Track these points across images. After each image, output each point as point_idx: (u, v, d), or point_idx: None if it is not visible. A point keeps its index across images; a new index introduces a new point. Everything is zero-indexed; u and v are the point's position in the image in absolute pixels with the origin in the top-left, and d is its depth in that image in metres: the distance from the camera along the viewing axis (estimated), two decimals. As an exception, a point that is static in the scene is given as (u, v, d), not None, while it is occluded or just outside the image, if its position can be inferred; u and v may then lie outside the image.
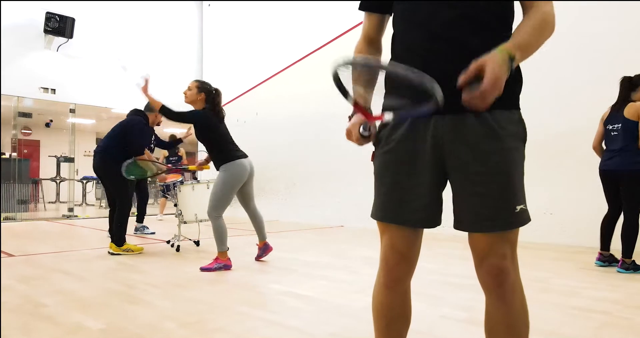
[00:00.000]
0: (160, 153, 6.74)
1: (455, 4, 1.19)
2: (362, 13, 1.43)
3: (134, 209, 5.65)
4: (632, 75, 3.88)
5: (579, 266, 3.98)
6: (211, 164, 4.09)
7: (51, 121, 13.02)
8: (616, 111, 3.88)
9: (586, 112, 4.53)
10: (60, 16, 8.44)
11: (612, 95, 3.95)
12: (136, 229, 6.25)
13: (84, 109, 9.52)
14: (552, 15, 1.18)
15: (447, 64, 1.17)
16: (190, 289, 3.17)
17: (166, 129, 10.80)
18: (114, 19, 9.48)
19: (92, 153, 4.91)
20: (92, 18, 9.14)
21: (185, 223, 4.92)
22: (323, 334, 2.25)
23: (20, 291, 3.08)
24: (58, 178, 12.34)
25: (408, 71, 1.07)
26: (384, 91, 1.29)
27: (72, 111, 9.13)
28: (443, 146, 1.21)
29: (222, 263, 3.81)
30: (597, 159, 4.05)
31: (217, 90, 4.02)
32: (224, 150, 3.89)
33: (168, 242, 5.05)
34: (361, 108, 1.18)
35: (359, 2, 1.41)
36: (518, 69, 1.26)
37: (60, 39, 8.65)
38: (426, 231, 1.33)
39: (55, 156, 12.22)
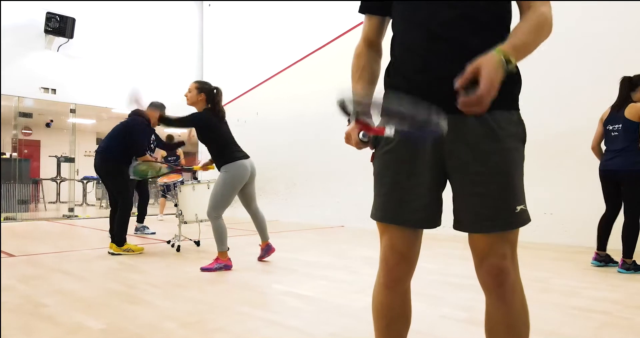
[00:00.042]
0: (158, 153, 6.74)
1: (455, 4, 1.19)
2: (362, 14, 1.43)
3: (134, 210, 5.65)
4: (632, 75, 3.88)
5: (579, 267, 3.98)
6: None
7: (51, 121, 13.03)
8: (616, 111, 3.88)
9: (586, 113, 4.53)
10: (61, 16, 8.44)
11: (612, 95, 3.95)
12: (137, 229, 6.26)
13: (84, 109, 9.52)
14: (550, 16, 1.18)
15: (447, 64, 1.17)
16: (190, 289, 3.17)
17: (167, 129, 10.82)
18: (114, 19, 9.49)
19: (93, 153, 4.91)
20: (92, 18, 9.15)
21: (185, 223, 4.92)
22: (323, 334, 2.26)
23: (20, 291, 3.08)
24: (58, 178, 12.35)
25: (401, 107, 1.06)
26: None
27: (72, 111, 9.14)
28: (443, 146, 1.21)
29: (222, 263, 3.81)
30: (597, 159, 4.05)
31: (217, 89, 4.01)
32: (225, 151, 3.89)
33: (168, 242, 5.05)
34: (362, 123, 1.17)
35: (359, 3, 1.41)
36: (517, 70, 1.26)
37: (61, 39, 8.66)
38: (426, 231, 1.33)
39: (55, 156, 12.23)
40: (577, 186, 5.03)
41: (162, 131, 7.41)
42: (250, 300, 2.91)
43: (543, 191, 5.07)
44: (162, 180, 6.72)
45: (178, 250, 4.81)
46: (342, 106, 1.14)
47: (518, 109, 1.26)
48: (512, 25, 1.22)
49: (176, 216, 4.98)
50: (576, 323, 2.44)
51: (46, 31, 8.40)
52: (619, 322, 2.46)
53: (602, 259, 3.95)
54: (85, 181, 13.17)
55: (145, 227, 6.33)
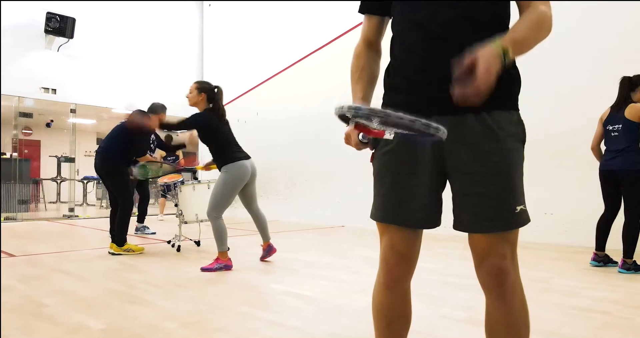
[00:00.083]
0: (157, 154, 6.74)
1: (455, 4, 1.19)
2: (362, 14, 1.43)
3: (134, 210, 5.65)
4: (632, 75, 3.88)
5: (579, 267, 3.98)
6: None
7: (52, 121, 13.03)
8: (616, 111, 3.88)
9: (586, 113, 4.53)
10: (61, 16, 8.44)
11: (612, 95, 3.95)
12: (137, 229, 6.26)
13: (84, 109, 9.53)
14: (549, 16, 1.17)
15: (447, 64, 1.17)
16: (190, 289, 3.17)
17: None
18: (114, 19, 9.49)
19: (93, 153, 4.92)
20: (92, 18, 9.15)
21: (186, 223, 4.92)
22: (323, 334, 2.26)
23: (21, 291, 3.08)
24: (59, 178, 12.35)
25: (414, 121, 1.06)
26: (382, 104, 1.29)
27: (72, 111, 9.14)
28: (443, 146, 1.21)
29: (222, 264, 3.81)
30: (597, 160, 4.06)
31: (218, 88, 4.00)
32: (225, 151, 3.89)
33: (169, 242, 5.05)
34: (362, 127, 1.17)
35: (359, 3, 1.41)
36: (516, 70, 1.26)
37: (61, 39, 8.66)
38: (426, 231, 1.33)
39: (55, 156, 12.23)
40: (577, 186, 5.03)
41: (162, 131, 7.40)
42: (251, 300, 2.91)
43: (543, 191, 5.07)
44: (162, 180, 6.72)
45: (178, 250, 4.81)
46: (341, 115, 1.14)
47: (518, 110, 1.26)
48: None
49: (176, 216, 4.98)
50: (576, 323, 2.44)
51: (46, 31, 8.40)
52: (619, 322, 2.46)
53: (601, 259, 3.95)
54: (85, 181, 13.18)
55: (145, 227, 6.34)
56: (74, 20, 8.64)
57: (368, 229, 6.10)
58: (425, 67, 1.22)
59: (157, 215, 8.50)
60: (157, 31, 10.14)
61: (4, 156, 9.69)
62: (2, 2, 7.91)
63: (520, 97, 1.28)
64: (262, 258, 4.24)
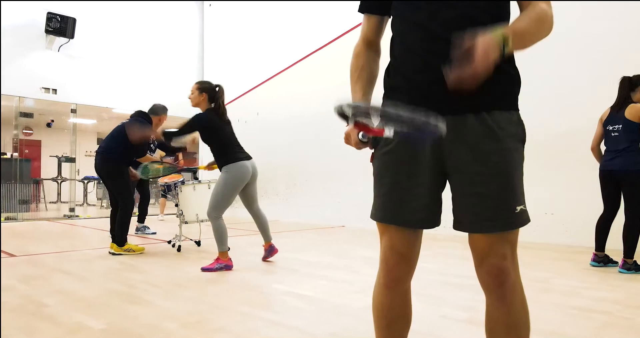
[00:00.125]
0: (157, 154, 6.73)
1: (455, 4, 1.19)
2: (361, 14, 1.43)
3: (135, 210, 5.65)
4: (632, 75, 3.87)
5: (579, 267, 3.98)
6: None
7: (52, 121, 13.03)
8: (616, 111, 3.88)
9: (586, 113, 4.53)
10: (62, 16, 8.45)
11: (612, 95, 3.95)
12: (137, 229, 6.27)
13: (85, 109, 9.53)
14: (550, 15, 1.17)
15: (447, 65, 1.17)
16: (191, 289, 3.18)
17: (168, 129, 10.82)
18: (115, 19, 9.49)
19: (93, 153, 4.92)
20: (93, 18, 9.16)
21: (186, 223, 4.92)
22: (323, 334, 2.26)
23: (21, 291, 3.09)
24: (59, 178, 12.35)
25: (400, 111, 1.06)
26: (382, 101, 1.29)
27: (73, 111, 9.14)
28: (443, 146, 1.22)
29: (223, 264, 3.82)
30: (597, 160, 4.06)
31: (219, 86, 4.01)
32: (227, 151, 3.90)
33: (169, 242, 5.05)
34: (361, 126, 1.18)
35: (359, 3, 1.41)
36: (516, 71, 1.26)
37: (62, 39, 8.66)
38: (426, 231, 1.33)
39: (56, 156, 12.23)
40: (578, 186, 5.03)
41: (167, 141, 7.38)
42: (251, 300, 2.91)
43: (543, 191, 5.07)
44: (162, 180, 6.72)
45: (179, 250, 4.82)
46: (340, 113, 1.14)
47: (518, 110, 1.26)
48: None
49: (177, 216, 4.98)
50: (576, 323, 2.44)
51: (47, 31, 8.41)
52: (620, 322, 2.46)
53: (601, 260, 3.95)
54: (86, 181, 13.18)
55: (146, 227, 6.34)
56: (74, 20, 8.64)
57: (368, 229, 6.10)
58: (425, 67, 1.22)
59: (157, 215, 8.50)
60: (158, 31, 10.14)
61: (5, 156, 9.69)
62: (2, 2, 7.91)
63: (520, 97, 1.28)
64: (264, 259, 4.24)
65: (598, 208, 3.97)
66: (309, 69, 8.27)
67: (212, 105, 3.94)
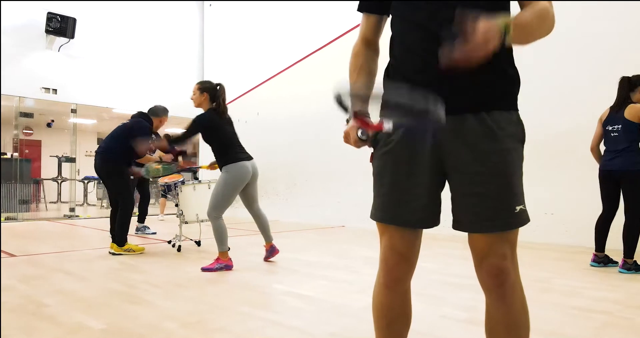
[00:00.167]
0: (157, 154, 6.74)
1: (455, 4, 1.19)
2: (360, 13, 1.43)
3: (135, 210, 5.66)
4: (631, 75, 3.87)
5: (579, 267, 3.98)
6: None
7: (52, 121, 13.03)
8: (615, 112, 3.87)
9: (586, 112, 4.53)
10: (62, 16, 8.45)
11: (613, 95, 3.94)
12: (137, 229, 6.27)
13: (85, 109, 9.53)
14: (552, 13, 1.16)
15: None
16: (191, 289, 3.18)
17: (167, 129, 10.83)
18: (115, 19, 9.49)
19: (94, 153, 4.92)
20: (93, 18, 9.16)
21: (186, 223, 4.92)
22: (324, 334, 2.26)
23: (21, 291, 3.09)
24: (59, 178, 12.35)
25: (399, 97, 1.06)
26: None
27: (73, 111, 9.14)
28: (442, 146, 1.22)
29: (223, 264, 3.82)
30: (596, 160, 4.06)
31: (220, 85, 4.02)
32: (227, 151, 3.90)
33: (169, 242, 5.05)
34: (361, 119, 1.18)
35: (358, 2, 1.41)
36: (515, 70, 1.26)
37: (62, 39, 8.66)
38: (426, 231, 1.33)
39: (56, 156, 12.23)
40: (578, 186, 5.02)
41: (163, 131, 7.39)
42: (251, 300, 2.91)
43: (543, 191, 5.07)
44: (162, 180, 6.71)
45: (179, 250, 4.82)
46: (339, 100, 1.14)
47: (517, 109, 1.26)
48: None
49: (177, 216, 4.99)
50: (577, 323, 2.44)
51: (47, 31, 8.41)
52: (620, 322, 2.46)
53: (601, 260, 3.95)
54: (86, 181, 13.19)
55: (146, 227, 6.34)
56: (74, 20, 8.65)
57: (368, 229, 6.10)
58: (425, 67, 1.22)
59: (157, 215, 8.50)
60: (158, 31, 10.14)
61: (5, 156, 9.69)
62: (2, 2, 7.91)
63: (520, 97, 1.28)
64: (266, 259, 4.24)
65: (598, 208, 3.97)
66: (309, 69, 8.27)
67: (214, 104, 3.95)
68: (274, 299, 3.00)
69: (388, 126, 1.14)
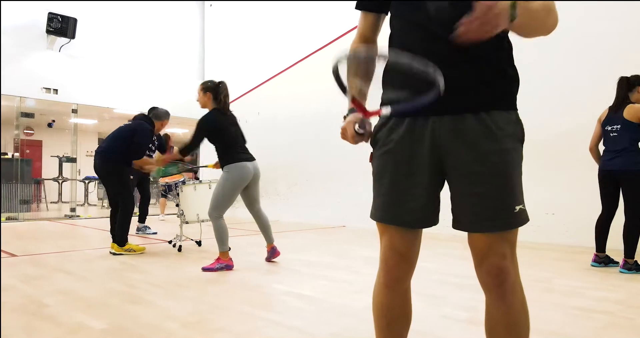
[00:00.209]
0: (156, 155, 6.75)
1: (455, 4, 1.19)
2: (359, 11, 1.43)
3: (136, 210, 5.66)
4: (630, 75, 3.87)
5: (580, 267, 3.98)
6: None
7: (53, 121, 13.04)
8: (614, 112, 3.87)
9: (586, 112, 4.53)
10: (63, 16, 8.46)
11: (612, 95, 3.94)
12: (138, 229, 6.27)
13: (86, 109, 9.54)
14: (556, 12, 1.14)
15: (445, 65, 1.17)
16: (191, 289, 3.18)
17: (167, 129, 10.83)
18: (116, 19, 9.50)
19: (94, 153, 4.93)
20: (94, 18, 9.17)
21: (187, 223, 4.93)
22: (324, 334, 2.26)
23: (22, 291, 3.09)
24: (60, 178, 12.37)
25: (412, 59, 1.06)
26: (381, 87, 1.30)
27: (74, 111, 9.15)
28: (441, 146, 1.22)
29: (223, 264, 3.82)
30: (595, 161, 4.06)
31: (221, 83, 4.02)
32: (229, 151, 3.90)
33: (170, 242, 5.06)
34: (358, 104, 1.19)
35: (356, 1, 1.41)
36: (515, 70, 1.26)
37: (63, 40, 8.67)
38: (426, 231, 1.33)
39: (57, 156, 12.24)
40: (578, 186, 5.02)
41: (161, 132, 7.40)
42: (252, 300, 2.91)
43: (544, 191, 5.07)
44: (163, 180, 6.72)
45: (179, 250, 4.82)
46: (337, 75, 1.14)
47: (516, 109, 1.26)
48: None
49: (177, 216, 4.99)
50: (578, 323, 2.44)
51: (48, 31, 8.42)
52: (621, 322, 2.46)
53: (602, 260, 3.95)
54: (87, 181, 13.20)
55: (146, 227, 6.35)
56: (75, 20, 8.66)
57: (369, 229, 6.09)
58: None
59: (158, 215, 8.51)
60: (159, 31, 10.15)
61: (6, 156, 9.70)
62: (3, 2, 7.92)
63: (520, 97, 1.28)
64: (267, 259, 4.23)
65: (598, 208, 3.97)
66: (309, 69, 8.28)
67: (217, 104, 3.95)
68: (274, 299, 3.00)
69: (386, 111, 1.15)
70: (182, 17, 10.74)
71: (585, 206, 4.62)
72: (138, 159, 4.72)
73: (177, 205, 5.00)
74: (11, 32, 8.18)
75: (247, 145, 4.11)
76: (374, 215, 1.33)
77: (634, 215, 3.73)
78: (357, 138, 1.22)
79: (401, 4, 1.29)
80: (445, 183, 1.28)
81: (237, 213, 6.03)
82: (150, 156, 5.79)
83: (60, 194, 13.04)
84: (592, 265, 3.97)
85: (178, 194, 4.95)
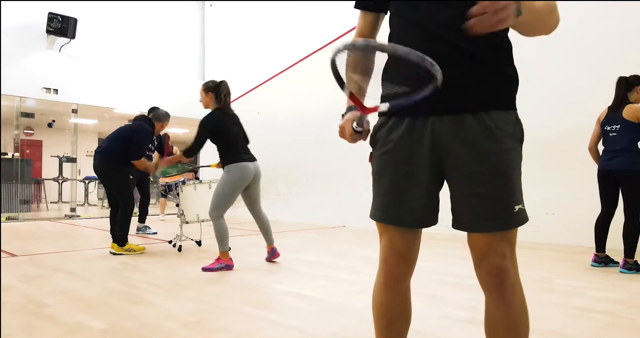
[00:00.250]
0: (155, 155, 6.75)
1: (455, 4, 1.19)
2: (358, 10, 1.43)
3: (135, 210, 5.66)
4: (629, 75, 3.87)
5: (580, 267, 3.98)
6: None
7: (53, 121, 13.05)
8: (613, 112, 3.87)
9: (586, 112, 4.52)
10: (63, 16, 8.46)
11: (612, 95, 3.94)
12: (138, 229, 6.27)
13: (86, 109, 9.54)
14: (558, 12, 1.14)
15: (445, 65, 1.17)
16: (192, 289, 3.18)
17: (167, 129, 10.83)
18: (116, 19, 9.51)
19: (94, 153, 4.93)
20: (94, 18, 9.17)
21: (187, 223, 4.93)
22: (324, 334, 2.26)
23: (22, 291, 3.09)
24: (60, 178, 12.37)
25: (409, 51, 1.06)
26: (379, 83, 1.29)
27: (74, 111, 9.15)
28: (441, 146, 1.22)
29: (223, 263, 3.82)
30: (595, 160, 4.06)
31: (222, 82, 4.02)
32: (230, 151, 3.91)
33: (170, 242, 5.06)
34: (356, 99, 1.18)
35: (355, 0, 1.41)
36: (514, 70, 1.26)
37: (63, 40, 8.68)
38: (426, 231, 1.33)
39: (57, 156, 12.25)
40: (578, 186, 5.02)
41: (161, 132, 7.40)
42: (252, 300, 2.91)
43: (544, 191, 5.07)
44: (163, 180, 6.73)
45: (179, 249, 4.82)
46: (334, 67, 1.14)
47: (515, 109, 1.26)
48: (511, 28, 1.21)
49: (178, 216, 4.99)
50: (578, 323, 2.44)
51: (48, 31, 8.42)
52: (621, 322, 2.46)
53: (602, 260, 3.95)
54: (87, 181, 13.20)
55: (147, 227, 6.35)
56: (75, 20, 8.66)
57: (369, 229, 6.09)
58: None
59: (158, 215, 8.51)
60: (159, 31, 10.16)
61: (6, 156, 9.70)
62: (3, 2, 7.92)
63: (520, 97, 1.28)
64: (268, 259, 4.23)
65: (598, 208, 3.97)
66: (309, 69, 8.27)
67: (219, 103, 3.96)
68: (274, 299, 3.00)
69: (384, 107, 1.14)
70: (182, 17, 10.74)
71: (585, 206, 4.62)
72: (137, 159, 4.71)
73: (177, 205, 5.00)
74: (11, 32, 8.18)
75: (248, 145, 4.11)
76: (374, 215, 1.33)
77: (634, 214, 3.73)
78: (355, 136, 1.22)
79: (401, 4, 1.29)
80: (445, 183, 1.28)
81: (238, 213, 6.03)
82: (150, 157, 5.79)
83: (60, 194, 13.05)
84: (592, 265, 3.97)
85: (178, 194, 4.95)
